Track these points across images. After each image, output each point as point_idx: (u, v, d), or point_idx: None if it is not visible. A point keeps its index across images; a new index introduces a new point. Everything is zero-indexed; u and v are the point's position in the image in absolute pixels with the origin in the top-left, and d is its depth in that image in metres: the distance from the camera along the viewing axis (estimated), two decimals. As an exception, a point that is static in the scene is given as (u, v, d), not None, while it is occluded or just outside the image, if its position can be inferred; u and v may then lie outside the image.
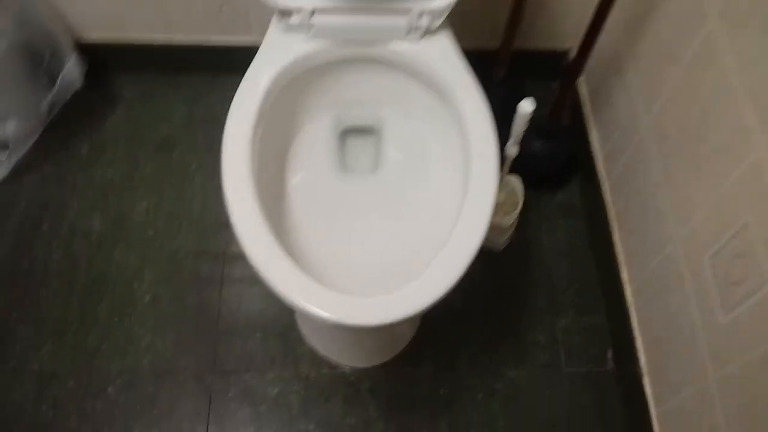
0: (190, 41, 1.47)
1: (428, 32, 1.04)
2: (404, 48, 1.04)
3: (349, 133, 1.21)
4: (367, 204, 1.10)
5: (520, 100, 1.04)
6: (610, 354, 1.26)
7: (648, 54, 1.13)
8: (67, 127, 1.47)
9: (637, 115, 1.17)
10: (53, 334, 1.24)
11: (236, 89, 0.98)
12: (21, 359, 1.22)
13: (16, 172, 1.42)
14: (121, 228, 1.36)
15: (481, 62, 1.42)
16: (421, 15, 1.00)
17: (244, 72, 1.00)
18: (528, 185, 1.33)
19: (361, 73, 1.11)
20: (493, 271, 1.33)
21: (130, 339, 1.24)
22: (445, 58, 1.03)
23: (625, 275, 1.23)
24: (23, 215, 1.37)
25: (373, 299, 0.82)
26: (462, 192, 0.93)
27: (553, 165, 1.42)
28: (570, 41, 1.49)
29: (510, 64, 1.42)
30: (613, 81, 1.28)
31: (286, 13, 1.01)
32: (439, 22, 1.02)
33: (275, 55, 1.02)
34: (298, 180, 1.10)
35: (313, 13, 1.00)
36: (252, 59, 1.02)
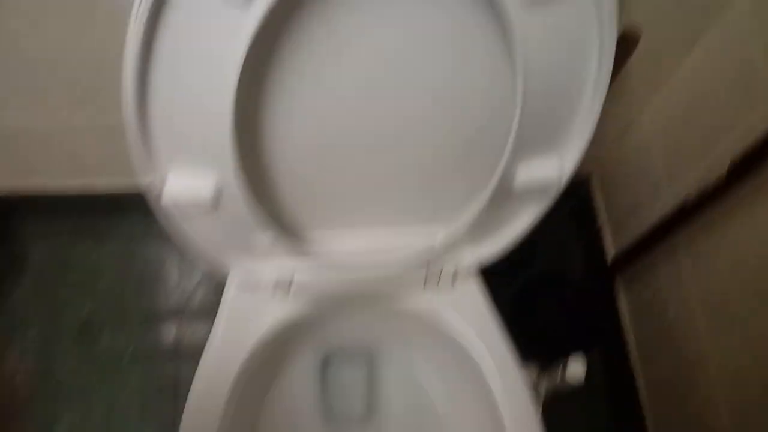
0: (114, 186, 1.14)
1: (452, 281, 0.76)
2: (417, 299, 0.77)
3: (334, 363, 0.94)
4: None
5: None
6: None
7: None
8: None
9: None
10: None
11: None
12: None
13: None
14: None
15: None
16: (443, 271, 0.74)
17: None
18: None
19: (358, 319, 0.84)
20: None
21: None
22: (471, 318, 0.76)
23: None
24: None
25: None
26: None
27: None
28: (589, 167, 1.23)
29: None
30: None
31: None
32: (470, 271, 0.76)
33: (242, 329, 0.73)
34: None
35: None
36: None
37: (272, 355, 0.79)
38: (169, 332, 1.14)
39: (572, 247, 1.24)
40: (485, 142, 0.62)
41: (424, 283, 0.74)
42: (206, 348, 0.72)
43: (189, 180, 0.59)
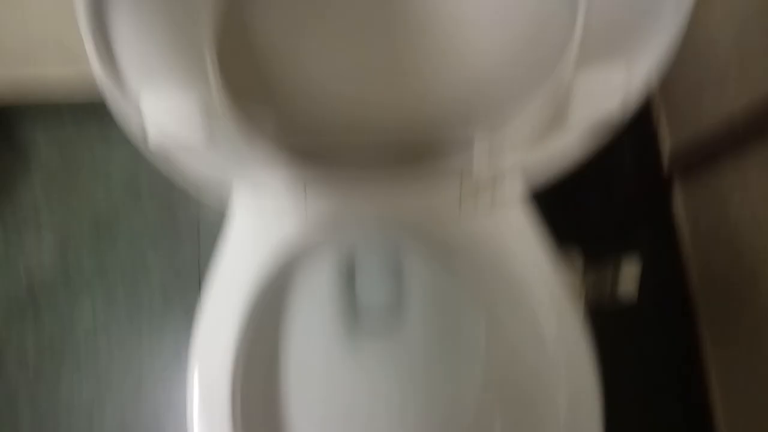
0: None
1: (493, 204, 0.66)
2: (454, 228, 0.67)
3: (358, 273, 0.87)
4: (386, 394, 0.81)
5: None
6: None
7: None
8: None
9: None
10: None
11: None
12: None
13: None
14: (63, 344, 1.05)
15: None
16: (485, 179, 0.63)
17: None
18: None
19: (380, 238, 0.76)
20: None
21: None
22: (518, 248, 0.67)
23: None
24: None
25: None
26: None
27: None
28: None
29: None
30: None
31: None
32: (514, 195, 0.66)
33: (252, 251, 0.66)
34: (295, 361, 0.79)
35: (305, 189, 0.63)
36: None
37: (285, 279, 0.72)
38: (190, 217, 1.09)
39: (624, 141, 1.11)
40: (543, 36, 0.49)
41: (459, 204, 0.65)
42: (213, 273, 0.65)
43: (169, 103, 0.49)
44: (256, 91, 0.53)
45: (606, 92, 0.52)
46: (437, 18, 0.48)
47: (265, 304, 0.68)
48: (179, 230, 1.09)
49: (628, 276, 0.72)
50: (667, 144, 1.04)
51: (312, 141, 0.60)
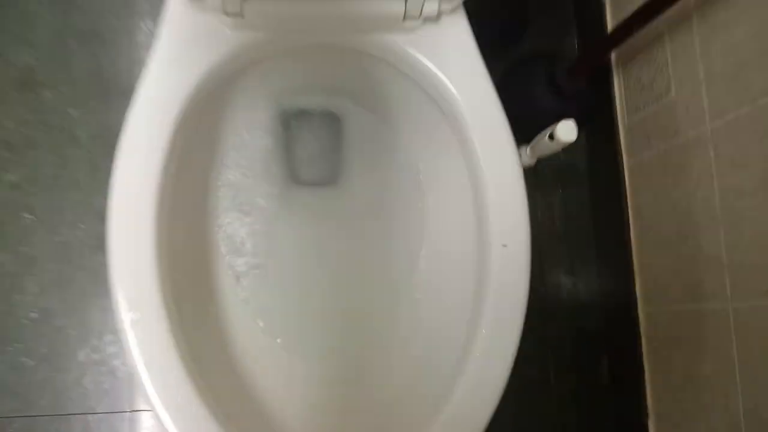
0: None
1: (434, 17, 0.65)
2: (394, 39, 0.66)
3: (294, 121, 0.84)
4: (330, 249, 0.80)
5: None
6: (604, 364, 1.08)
7: (741, 28, 0.78)
8: None
9: (697, 104, 0.85)
10: None
11: None
12: None
13: None
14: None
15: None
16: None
17: None
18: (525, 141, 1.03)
19: (321, 61, 0.73)
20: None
21: (19, 372, 0.96)
22: (456, 61, 0.66)
23: (638, 290, 1.00)
24: None
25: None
26: (474, 287, 0.65)
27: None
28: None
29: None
30: (665, 32, 0.92)
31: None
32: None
33: (186, 56, 0.62)
34: (226, 221, 0.76)
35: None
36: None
37: (220, 98, 0.69)
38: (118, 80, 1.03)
39: (567, 21, 1.12)
40: None
41: (404, 16, 0.63)
42: (142, 77, 0.61)
43: None
44: None
45: None
46: None
47: (194, 128, 0.65)
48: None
49: (566, 127, 0.72)
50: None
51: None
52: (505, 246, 0.63)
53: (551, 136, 0.73)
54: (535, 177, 1.12)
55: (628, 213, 1.02)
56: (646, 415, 0.98)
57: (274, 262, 0.77)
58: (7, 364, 0.96)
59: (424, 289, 0.75)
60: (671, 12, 0.84)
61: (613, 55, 1.06)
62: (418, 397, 0.66)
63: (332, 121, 0.83)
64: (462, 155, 0.66)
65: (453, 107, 0.65)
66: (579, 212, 1.12)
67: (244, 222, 0.77)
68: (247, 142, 0.78)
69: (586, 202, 1.12)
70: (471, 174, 0.65)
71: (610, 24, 1.05)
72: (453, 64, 0.66)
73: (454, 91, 0.65)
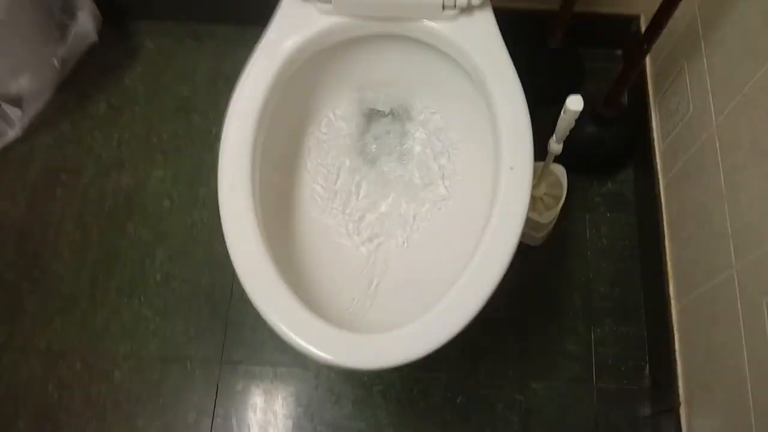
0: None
1: (467, 9, 0.89)
2: (437, 27, 0.90)
3: (373, 116, 1.09)
4: (389, 204, 1.00)
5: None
6: (646, 371, 1.15)
7: (731, 40, 0.96)
8: (83, 83, 1.39)
9: (706, 111, 1.01)
10: (62, 311, 1.21)
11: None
12: (29, 334, 1.19)
13: (31, 131, 1.35)
14: (136, 198, 1.29)
15: (537, 25, 1.28)
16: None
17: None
18: (574, 171, 1.19)
19: (389, 51, 0.99)
20: (528, 268, 1.21)
21: (138, 321, 1.20)
22: (483, 43, 0.89)
23: (671, 290, 1.10)
24: (37, 177, 1.32)
25: (379, 337, 0.73)
26: (489, 204, 0.81)
27: (605, 151, 1.27)
28: (641, 6, 1.29)
29: (568, 28, 1.25)
30: (684, 63, 1.10)
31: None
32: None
33: (290, 29, 0.89)
34: (313, 167, 0.99)
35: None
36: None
37: (312, 69, 0.95)
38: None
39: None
40: None
41: (443, 6, 0.87)
42: (257, 46, 0.89)
43: None
44: None
45: None
46: None
47: (288, 88, 0.91)
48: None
49: (574, 99, 0.89)
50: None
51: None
52: (512, 168, 0.81)
53: (564, 111, 0.92)
54: (588, 203, 1.27)
55: (663, 225, 1.14)
56: (678, 403, 1.03)
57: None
58: (133, 313, 1.21)
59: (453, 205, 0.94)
60: (688, 44, 1.03)
61: (650, 93, 1.24)
62: (438, 281, 0.81)
63: (398, 119, 1.07)
64: (487, 110, 0.87)
65: (480, 76, 0.87)
66: (624, 231, 1.24)
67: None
68: (331, 121, 1.03)
69: (632, 222, 1.25)
70: (491, 116, 0.85)
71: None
72: (480, 44, 0.88)
73: (480, 65, 0.87)
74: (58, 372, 1.16)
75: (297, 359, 1.15)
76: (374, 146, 1.05)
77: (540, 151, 0.88)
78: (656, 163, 1.19)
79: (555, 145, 1.01)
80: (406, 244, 0.94)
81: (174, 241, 1.25)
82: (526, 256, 1.20)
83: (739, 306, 0.88)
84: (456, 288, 0.75)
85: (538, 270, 1.23)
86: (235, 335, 1.18)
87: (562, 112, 0.92)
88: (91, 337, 1.19)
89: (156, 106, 1.37)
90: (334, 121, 1.03)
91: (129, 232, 1.26)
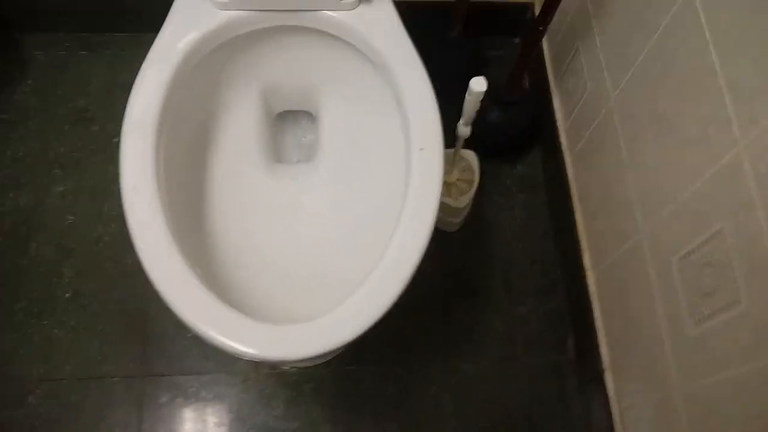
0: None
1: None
2: (337, 16, 0.90)
3: (282, 116, 1.07)
4: (302, 200, 0.98)
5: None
6: (570, 342, 1.18)
7: (617, 16, 1.00)
8: (-31, 100, 1.31)
9: (603, 86, 1.05)
10: (-36, 338, 1.13)
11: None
12: (-72, 365, 1.10)
13: None
14: (36, 216, 1.22)
15: (436, 16, 1.30)
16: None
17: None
18: (485, 156, 1.22)
19: (292, 44, 0.97)
20: (446, 253, 1.23)
21: (50, 342, 1.13)
22: (384, 30, 0.89)
23: (587, 261, 1.14)
24: None
25: (298, 328, 0.71)
26: (403, 187, 0.82)
27: (512, 135, 1.30)
28: (533, -6, 1.34)
29: (467, 18, 1.28)
30: (578, 44, 1.15)
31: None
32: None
33: (185, 26, 0.87)
34: (222, 170, 0.97)
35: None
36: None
37: (213, 65, 0.92)
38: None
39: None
40: None
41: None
42: (152, 47, 0.86)
43: None
44: None
45: None
46: None
47: (188, 87, 0.88)
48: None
49: (476, 81, 0.91)
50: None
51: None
52: (422, 149, 0.82)
53: (469, 93, 0.93)
54: (500, 186, 1.30)
55: (572, 201, 1.18)
56: (602, 369, 1.07)
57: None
58: (43, 334, 1.14)
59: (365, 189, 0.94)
60: (580, 25, 1.07)
61: (550, 75, 1.28)
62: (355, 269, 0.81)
63: (308, 114, 1.06)
64: (392, 92, 0.87)
65: (383, 60, 0.87)
66: (538, 210, 1.28)
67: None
68: (236, 121, 1.00)
69: (543, 201, 1.29)
70: (398, 101, 0.85)
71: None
72: (381, 31, 0.89)
73: (383, 49, 0.87)
74: (-36, 402, 1.08)
75: (222, 365, 1.11)
76: (283, 144, 1.04)
77: (449, 139, 0.89)
78: (561, 142, 1.23)
79: (463, 128, 1.03)
80: (320, 230, 0.93)
81: (81, 257, 1.19)
82: (444, 242, 1.22)
83: (650, 268, 0.91)
84: (375, 274, 0.74)
85: (458, 254, 1.25)
86: (154, 347, 1.13)
87: (467, 95, 0.94)
88: (-1, 363, 1.11)
89: (51, 119, 1.31)
90: (240, 121, 1.01)
91: (31, 252, 1.19)
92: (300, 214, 0.97)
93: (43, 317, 1.14)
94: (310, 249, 0.92)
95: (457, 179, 1.20)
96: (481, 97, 0.93)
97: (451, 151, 1.10)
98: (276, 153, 1.07)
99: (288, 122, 1.12)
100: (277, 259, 0.91)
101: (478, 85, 0.91)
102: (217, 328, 0.69)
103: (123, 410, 1.09)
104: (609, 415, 1.04)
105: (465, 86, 0.91)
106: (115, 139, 1.25)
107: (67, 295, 1.16)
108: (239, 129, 1.00)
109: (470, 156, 1.20)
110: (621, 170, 0.99)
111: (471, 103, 0.95)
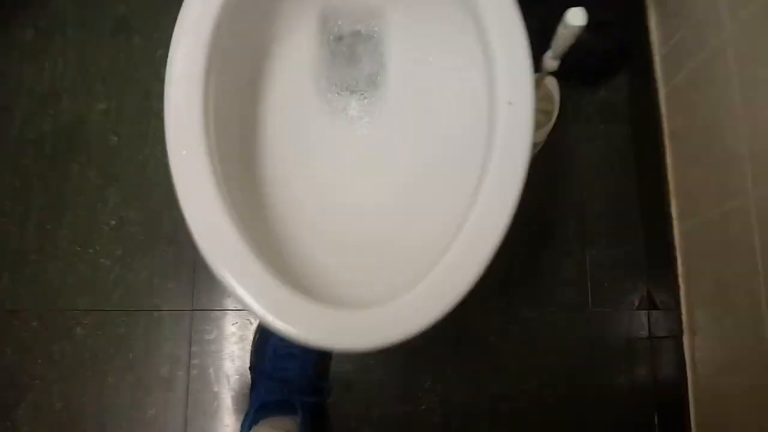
0: None
1: None
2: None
3: (340, 44, 0.94)
4: (360, 139, 0.88)
5: None
6: (646, 294, 1.09)
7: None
8: (3, 6, 1.19)
9: (718, 14, 0.89)
10: (11, 267, 1.09)
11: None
12: (-24, 296, 1.08)
13: (-52, 64, 1.17)
14: (78, 136, 1.14)
15: None
16: None
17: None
18: (564, 79, 1.08)
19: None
20: (516, 190, 1.13)
21: (96, 271, 1.09)
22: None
23: (674, 210, 1.02)
24: (-39, 118, 1.16)
25: (366, 314, 0.64)
26: (484, 147, 0.71)
27: (599, 58, 1.14)
28: None
29: None
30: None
31: None
32: None
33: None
34: (277, 102, 0.86)
35: None
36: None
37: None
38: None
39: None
40: None
41: None
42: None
43: None
44: None
45: None
46: None
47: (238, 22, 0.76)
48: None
49: (574, 12, 0.77)
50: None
51: None
52: (510, 104, 0.70)
53: (564, 26, 0.79)
54: (579, 114, 1.16)
55: (663, 139, 1.05)
56: (682, 331, 0.98)
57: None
58: (88, 263, 1.10)
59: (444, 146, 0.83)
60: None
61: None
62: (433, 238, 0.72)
63: (370, 41, 0.93)
64: (473, 22, 0.73)
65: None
66: (620, 144, 1.15)
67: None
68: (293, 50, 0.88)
69: (627, 134, 1.15)
70: (480, 34, 0.72)
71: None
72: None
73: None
74: (14, 333, 1.07)
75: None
76: (343, 83, 0.91)
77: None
78: (655, 69, 1.08)
79: (551, 62, 0.88)
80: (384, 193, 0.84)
81: (126, 181, 1.12)
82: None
83: (755, 238, 0.80)
84: (460, 240, 0.66)
85: (526, 189, 1.14)
86: (204, 279, 1.09)
87: (560, 27, 0.80)
88: (46, 293, 1.08)
89: (90, 28, 1.19)
90: (297, 53, 0.89)
91: (74, 175, 1.13)
92: (360, 158, 0.87)
93: (89, 246, 1.10)
94: (372, 213, 0.83)
95: (534, 110, 1.07)
96: (578, 32, 0.79)
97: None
98: (332, 85, 0.95)
99: (348, 50, 0.99)
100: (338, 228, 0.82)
101: (576, 17, 0.77)
102: (282, 315, 0.62)
103: (172, 345, 1.07)
104: (683, 379, 0.97)
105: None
106: (160, 51, 1.17)
107: (112, 222, 1.11)
108: (292, 60, 0.89)
109: (552, 84, 1.07)
110: (733, 119, 0.85)
111: (565, 38, 0.81)
